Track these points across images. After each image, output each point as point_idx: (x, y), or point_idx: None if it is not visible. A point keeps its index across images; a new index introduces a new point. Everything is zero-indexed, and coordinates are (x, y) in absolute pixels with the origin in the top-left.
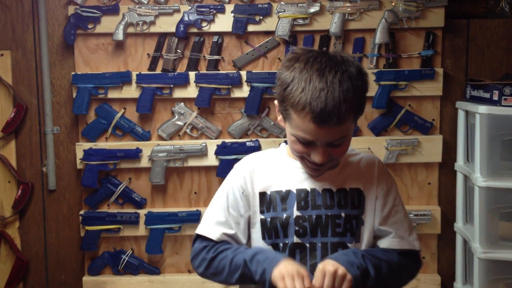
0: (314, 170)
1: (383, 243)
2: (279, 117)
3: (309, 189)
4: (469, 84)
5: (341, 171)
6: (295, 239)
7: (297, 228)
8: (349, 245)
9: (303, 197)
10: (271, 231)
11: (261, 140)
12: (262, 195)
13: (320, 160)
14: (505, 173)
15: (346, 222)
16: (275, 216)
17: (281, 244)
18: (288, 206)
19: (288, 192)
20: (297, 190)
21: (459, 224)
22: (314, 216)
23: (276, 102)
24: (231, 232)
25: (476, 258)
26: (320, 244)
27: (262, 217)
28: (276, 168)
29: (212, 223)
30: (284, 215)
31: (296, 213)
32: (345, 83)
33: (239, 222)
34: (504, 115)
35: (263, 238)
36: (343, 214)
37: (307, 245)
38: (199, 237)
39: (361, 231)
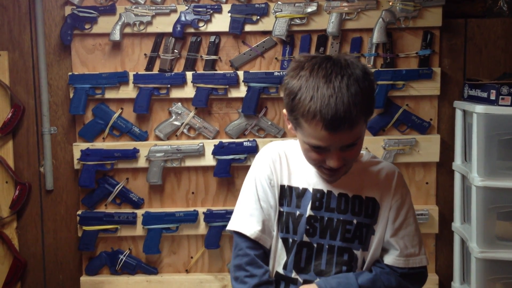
0: (330, 176)
1: (388, 259)
2: (289, 126)
3: (325, 191)
4: (467, 84)
5: (360, 178)
6: (304, 238)
7: (307, 227)
8: (355, 251)
9: (319, 198)
10: (283, 225)
11: (258, 140)
12: (282, 187)
13: (336, 164)
14: (502, 172)
15: (356, 229)
16: (289, 211)
17: (290, 240)
18: (303, 204)
19: (305, 190)
20: (313, 190)
21: (456, 224)
22: (326, 218)
23: (284, 111)
24: (265, 227)
25: (474, 257)
26: (327, 246)
27: (281, 209)
28: (295, 163)
29: (246, 217)
30: (297, 212)
31: (309, 212)
32: (353, 86)
33: (270, 213)
34: (501, 115)
35: (278, 230)
36: (355, 221)
37: (315, 245)
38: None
39: (370, 240)
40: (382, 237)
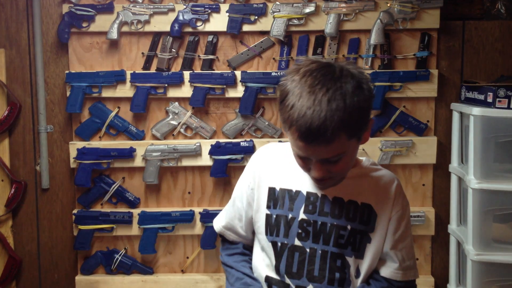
0: (317, 184)
1: (386, 272)
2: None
3: (319, 194)
4: (464, 86)
5: (357, 183)
6: (296, 242)
7: (300, 231)
8: (347, 258)
9: (312, 201)
10: (274, 228)
11: (255, 140)
12: (272, 190)
13: (317, 175)
14: (499, 175)
15: (350, 236)
16: (280, 214)
17: (279, 244)
18: (295, 207)
19: (298, 193)
20: (307, 193)
21: (453, 226)
22: (320, 223)
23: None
24: (229, 225)
25: (469, 260)
26: (320, 252)
27: (268, 212)
28: (290, 165)
29: (223, 213)
30: (290, 215)
31: (302, 215)
32: (335, 101)
33: (241, 214)
34: (498, 117)
35: (266, 233)
36: (349, 227)
37: (308, 250)
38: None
39: (366, 248)
40: (380, 247)
